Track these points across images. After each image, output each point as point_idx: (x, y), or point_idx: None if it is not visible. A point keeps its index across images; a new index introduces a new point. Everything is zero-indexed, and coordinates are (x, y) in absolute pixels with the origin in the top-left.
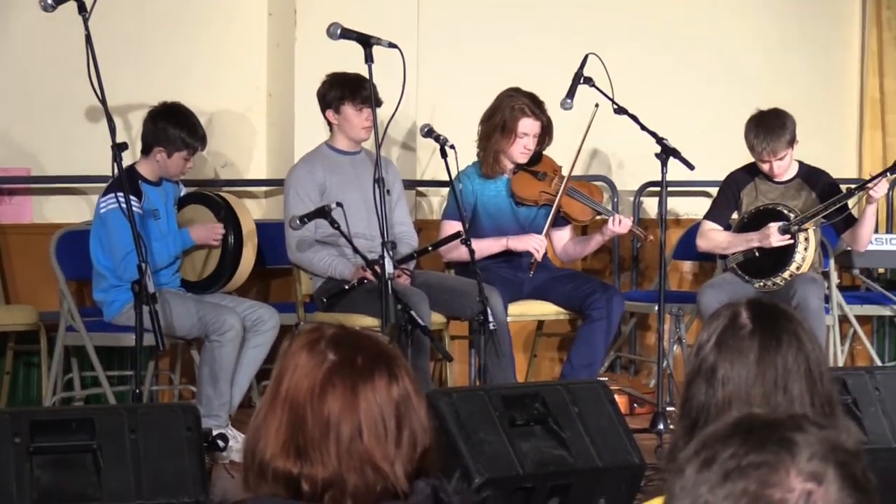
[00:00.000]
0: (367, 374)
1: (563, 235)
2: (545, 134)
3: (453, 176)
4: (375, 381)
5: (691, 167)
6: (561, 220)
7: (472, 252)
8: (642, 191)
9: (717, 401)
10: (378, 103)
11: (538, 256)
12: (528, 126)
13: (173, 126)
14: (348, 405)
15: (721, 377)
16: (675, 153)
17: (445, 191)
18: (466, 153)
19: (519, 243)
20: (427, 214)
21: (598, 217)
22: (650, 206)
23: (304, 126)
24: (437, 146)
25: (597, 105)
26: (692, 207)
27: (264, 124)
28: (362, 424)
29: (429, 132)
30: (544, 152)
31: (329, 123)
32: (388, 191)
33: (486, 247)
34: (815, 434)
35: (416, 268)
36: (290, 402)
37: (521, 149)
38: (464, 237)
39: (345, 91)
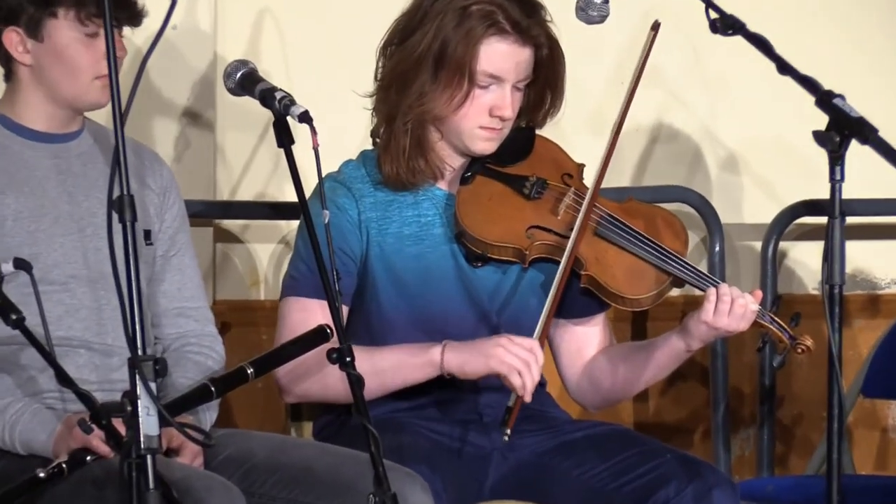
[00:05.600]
0: None
1: (587, 337)
2: (546, 84)
3: (309, 193)
4: None
5: None
6: (581, 300)
7: (355, 380)
8: (785, 225)
9: None
10: (132, 19)
11: (525, 394)
12: (503, 56)
13: None
14: None
15: None
16: (865, 129)
17: (292, 226)
18: (342, 134)
19: (472, 357)
20: (242, 290)
21: (672, 292)
22: (803, 262)
23: None
24: (269, 117)
25: (656, 25)
26: None
27: None
28: None
29: (245, 80)
30: (539, 132)
31: (7, 64)
32: (147, 233)
33: (391, 365)
34: None
35: (221, 423)
36: None
37: (482, 117)
38: (339, 346)
39: None
